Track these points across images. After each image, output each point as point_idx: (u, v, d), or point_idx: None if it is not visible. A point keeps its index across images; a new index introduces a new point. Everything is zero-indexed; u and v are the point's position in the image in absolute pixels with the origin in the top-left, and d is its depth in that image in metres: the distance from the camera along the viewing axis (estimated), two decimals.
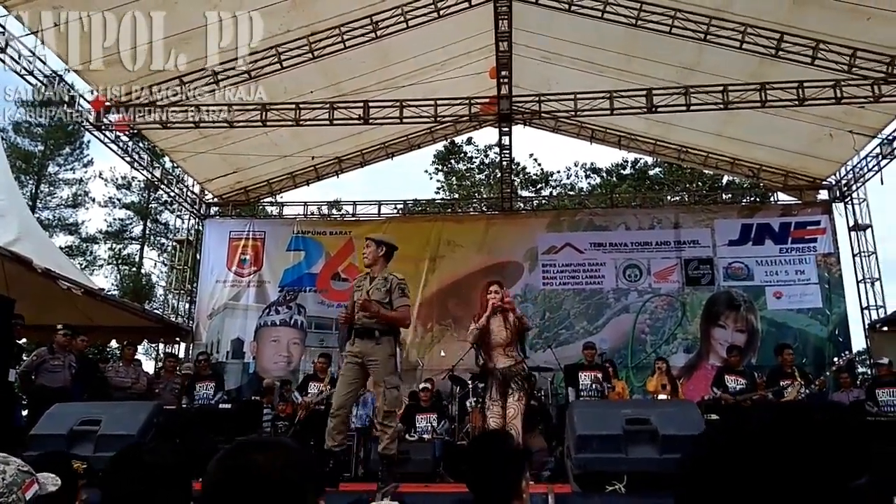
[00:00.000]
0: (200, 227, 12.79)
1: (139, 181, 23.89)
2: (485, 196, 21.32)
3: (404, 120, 9.47)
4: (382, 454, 4.73)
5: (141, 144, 11.47)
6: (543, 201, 19.47)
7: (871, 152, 10.66)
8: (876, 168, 10.77)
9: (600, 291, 11.86)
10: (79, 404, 4.65)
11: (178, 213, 13.18)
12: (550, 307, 11.90)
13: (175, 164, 11.95)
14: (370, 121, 9.29)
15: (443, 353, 11.03)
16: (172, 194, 12.55)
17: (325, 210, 13.98)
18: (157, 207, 24.74)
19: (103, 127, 9.60)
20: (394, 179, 34.49)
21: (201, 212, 12.78)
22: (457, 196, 22.69)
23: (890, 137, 10.13)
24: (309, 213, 13.27)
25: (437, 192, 23.76)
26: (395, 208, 13.33)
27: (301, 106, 9.14)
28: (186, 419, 7.18)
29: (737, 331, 11.39)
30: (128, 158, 10.67)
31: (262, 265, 12.21)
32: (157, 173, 11.92)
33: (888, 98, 8.69)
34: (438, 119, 9.72)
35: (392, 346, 4.78)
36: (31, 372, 7.09)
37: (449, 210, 16.47)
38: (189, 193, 12.53)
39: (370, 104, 9.19)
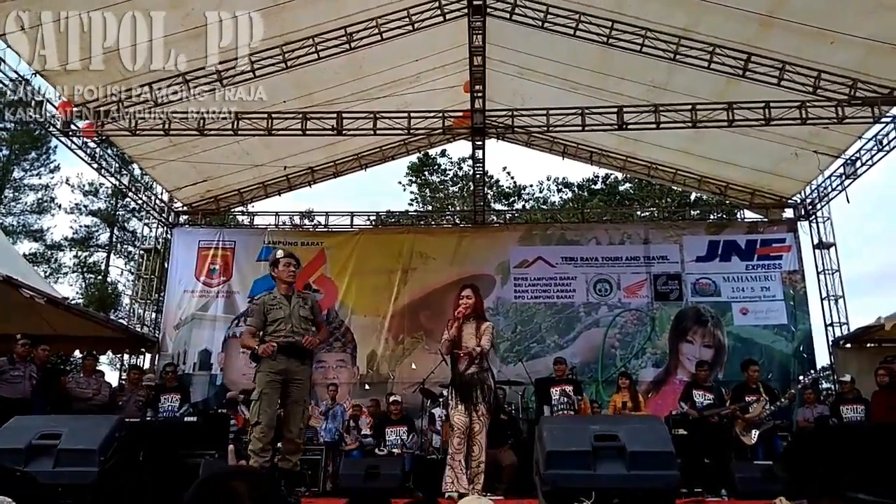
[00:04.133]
0: (168, 236, 12.58)
1: (107, 188, 23.52)
2: (458, 208, 21.40)
3: (378, 132, 9.47)
4: (290, 470, 4.77)
5: (109, 151, 11.28)
6: (516, 215, 19.60)
7: (834, 172, 10.94)
8: (840, 188, 11.05)
9: (571, 305, 11.95)
10: (38, 417, 4.53)
11: (146, 221, 12.96)
12: (522, 320, 11.94)
13: (143, 172, 11.77)
14: (343, 132, 9.26)
15: (414, 366, 11.00)
16: (140, 202, 12.34)
17: (296, 220, 13.88)
18: (124, 215, 24.35)
19: (70, 132, 9.42)
20: (367, 191, 34.37)
21: (170, 220, 12.58)
22: (430, 208, 22.75)
23: (853, 158, 10.42)
24: (280, 223, 13.17)
25: (410, 204, 23.83)
26: (368, 219, 13.30)
27: (273, 115, 9.08)
28: (150, 433, 7.03)
29: (704, 346, 11.55)
30: (95, 165, 10.48)
31: (232, 275, 12.06)
32: (125, 180, 11.72)
33: (851, 120, 8.95)
34: (412, 131, 9.74)
35: (311, 367, 5.06)
36: None
37: (422, 222, 16.51)
38: (157, 201, 12.34)
39: (343, 115, 9.17)
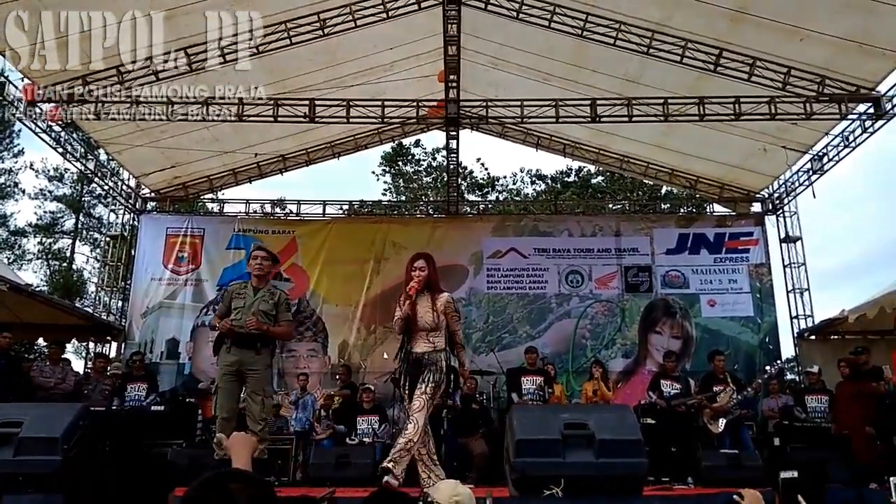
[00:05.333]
0: (135, 223, 12.35)
1: (72, 173, 22.98)
2: (431, 199, 21.36)
3: (351, 120, 9.38)
4: (255, 458, 4.66)
5: (75, 135, 11.00)
6: (489, 206, 19.63)
7: (801, 167, 11.15)
8: (806, 183, 11.26)
9: (543, 296, 12.02)
10: None
11: (112, 207, 12.69)
12: (494, 311, 11.99)
13: (110, 157, 11.50)
14: (316, 119, 9.15)
15: (385, 356, 10.97)
16: (106, 188, 12.07)
17: (267, 208, 13.73)
18: (90, 201, 23.83)
19: (34, 116, 9.16)
20: (340, 180, 34.15)
21: (137, 206, 12.34)
22: (403, 198, 22.68)
23: (820, 154, 10.62)
24: (251, 210, 13.00)
25: (383, 194, 23.72)
26: (341, 209, 13.20)
27: (244, 101, 8.93)
28: (116, 422, 6.92)
29: (673, 337, 11.72)
30: (60, 149, 10.20)
31: (201, 263, 11.88)
32: (91, 165, 11.45)
33: (819, 116, 9.10)
34: (386, 120, 9.67)
35: (270, 358, 4.92)
36: None
37: (395, 212, 16.44)
38: (124, 187, 12.08)
39: (316, 102, 9.06)
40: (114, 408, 7.60)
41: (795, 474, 3.02)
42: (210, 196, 13.38)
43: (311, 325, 11.75)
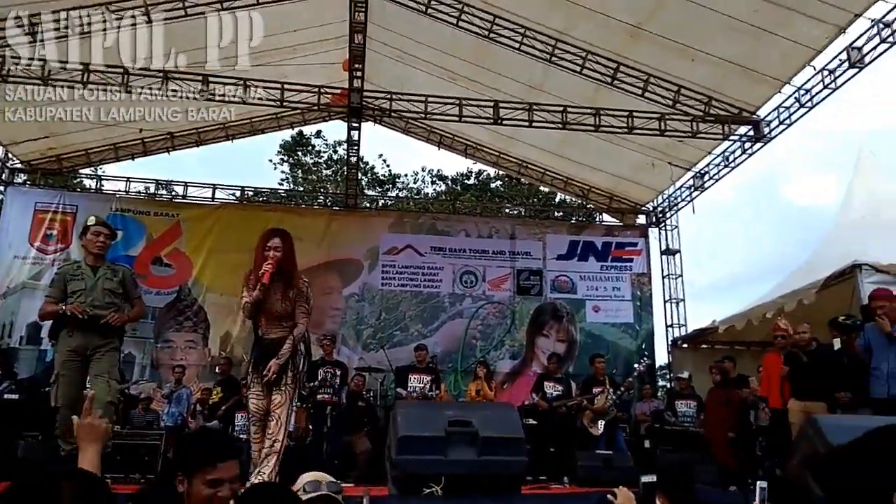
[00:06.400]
0: (2, 195, 11.25)
1: None
2: (330, 191, 20.92)
3: (248, 101, 8.95)
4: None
5: None
6: (388, 202, 19.47)
7: (684, 183, 11.79)
8: (688, 199, 11.94)
9: (437, 295, 12.04)
10: None
11: None
12: (387, 308, 11.87)
13: None
14: (210, 97, 8.66)
15: None
16: None
17: (151, 188, 12.89)
18: None
19: None
20: (234, 167, 32.83)
21: (3, 178, 11.22)
22: (301, 189, 22.07)
23: (702, 172, 11.27)
24: (132, 189, 12.16)
25: (280, 184, 22.95)
26: (232, 194, 12.60)
27: (131, 71, 8.30)
28: None
29: (558, 340, 12.06)
30: None
31: (71, 243, 10.92)
32: None
33: (703, 135, 9.64)
34: (285, 104, 9.30)
35: (120, 341, 4.60)
36: None
37: (291, 202, 15.93)
38: None
39: (210, 79, 8.58)
40: None
41: (654, 478, 3.12)
42: (88, 171, 12.39)
43: (192, 314, 11.13)
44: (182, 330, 11.06)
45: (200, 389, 9.29)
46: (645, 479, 3.05)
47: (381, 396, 9.29)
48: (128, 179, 12.13)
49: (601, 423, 7.96)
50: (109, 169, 12.22)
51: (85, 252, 4.62)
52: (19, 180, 11.57)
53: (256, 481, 3.66)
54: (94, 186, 12.65)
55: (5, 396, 7.07)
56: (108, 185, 12.25)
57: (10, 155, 11.23)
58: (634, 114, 9.47)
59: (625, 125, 9.52)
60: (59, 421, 4.21)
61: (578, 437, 7.92)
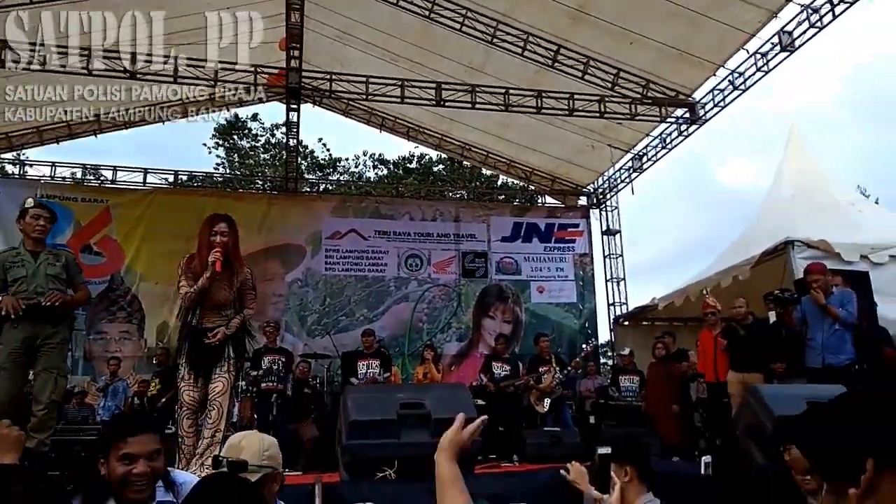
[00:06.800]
0: None
1: None
2: (269, 176, 20.41)
3: (179, 80, 8.57)
4: (34, 450, 3.99)
5: None
6: (330, 186, 19.14)
7: (624, 165, 12.01)
8: (627, 180, 12.17)
9: (382, 279, 11.94)
10: None
11: None
12: (331, 293, 11.70)
13: None
14: (138, 76, 8.25)
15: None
16: None
17: (78, 174, 12.26)
18: None
19: None
20: (167, 152, 31.63)
21: None
22: (238, 174, 21.44)
23: (640, 154, 11.50)
24: (57, 174, 11.53)
25: (216, 168, 22.24)
26: (165, 179, 12.11)
27: (54, 49, 7.81)
28: None
29: (504, 321, 12.16)
30: None
31: None
32: None
33: (641, 117, 9.82)
34: (219, 83, 8.94)
35: (69, 331, 4.38)
36: None
37: (228, 187, 15.45)
38: None
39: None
40: None
41: (610, 450, 3.16)
42: (9, 156, 11.69)
43: (126, 304, 10.69)
44: (116, 321, 10.62)
45: (137, 381, 8.95)
46: (601, 450, 3.07)
47: (328, 382, 9.14)
48: (53, 164, 11.52)
49: (547, 402, 8.07)
50: (33, 154, 11.53)
51: (24, 237, 4.31)
52: None
53: (203, 474, 3.51)
54: (16, 172, 11.94)
55: None
56: (32, 171, 11.59)
57: None
58: (575, 96, 9.56)
59: (566, 107, 9.60)
60: None
61: (525, 416, 8.01)
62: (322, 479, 3.33)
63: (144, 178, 11.75)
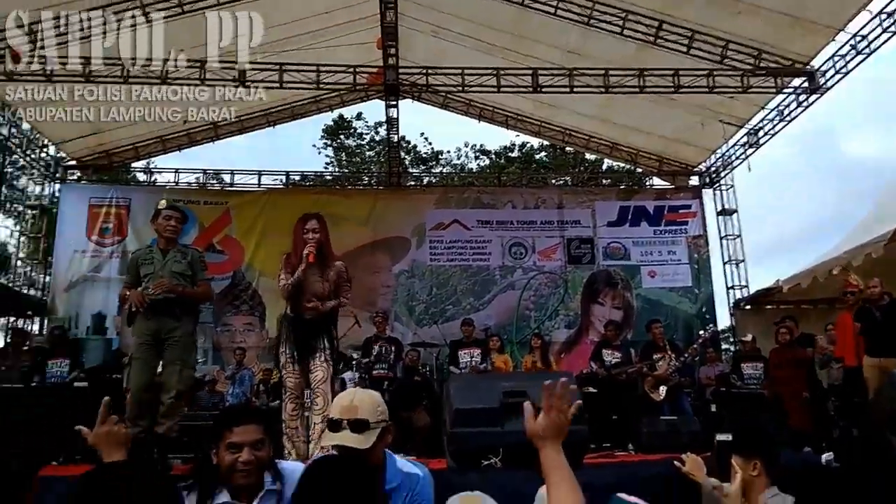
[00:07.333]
0: (58, 193, 11.66)
1: None
2: (374, 172, 20.97)
3: (285, 85, 8.96)
4: (164, 435, 4.29)
5: None
6: (433, 179, 19.41)
7: (738, 141, 11.34)
8: (743, 156, 11.48)
9: (487, 268, 11.98)
10: None
11: (30, 176, 11.95)
12: (437, 283, 11.88)
13: (17, 119, 10.66)
14: (246, 83, 8.69)
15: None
16: (25, 155, 11.30)
17: (199, 179, 13.14)
18: (13, 172, 22.40)
19: None
20: (279, 154, 33.25)
21: (58, 176, 11.61)
22: (346, 171, 22.19)
23: (755, 128, 10.80)
24: (181, 180, 12.42)
25: (325, 168, 23.13)
26: (278, 180, 12.73)
27: (168, 63, 8.38)
28: (34, 399, 6.50)
29: (614, 307, 11.87)
30: None
31: (127, 234, 11.30)
32: (5, 131, 10.66)
33: (755, 90, 9.22)
34: (321, 86, 9.27)
35: (193, 325, 4.57)
36: None
37: (336, 185, 16.02)
38: (44, 155, 11.34)
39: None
40: (34, 384, 7.15)
41: (730, 437, 2.99)
42: (137, 165, 12.71)
43: (248, 298, 11.37)
44: (239, 313, 11.32)
45: (261, 370, 9.51)
46: (720, 437, 2.90)
47: (438, 370, 9.29)
48: (176, 171, 12.41)
49: (663, 390, 7.76)
50: (158, 161, 12.49)
51: (158, 236, 4.62)
52: (73, 177, 11.93)
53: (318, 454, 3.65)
54: (146, 180, 12.97)
55: (75, 385, 7.30)
56: (159, 178, 12.62)
57: (61, 153, 11.57)
58: (681, 72, 9.11)
59: (671, 84, 9.19)
60: (129, 404, 4.28)
61: (641, 405, 7.76)
62: (429, 466, 3.38)
63: (259, 179, 12.41)
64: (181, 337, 4.39)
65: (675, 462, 3.27)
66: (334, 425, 2.24)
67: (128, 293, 4.35)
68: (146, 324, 4.31)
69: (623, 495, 2.10)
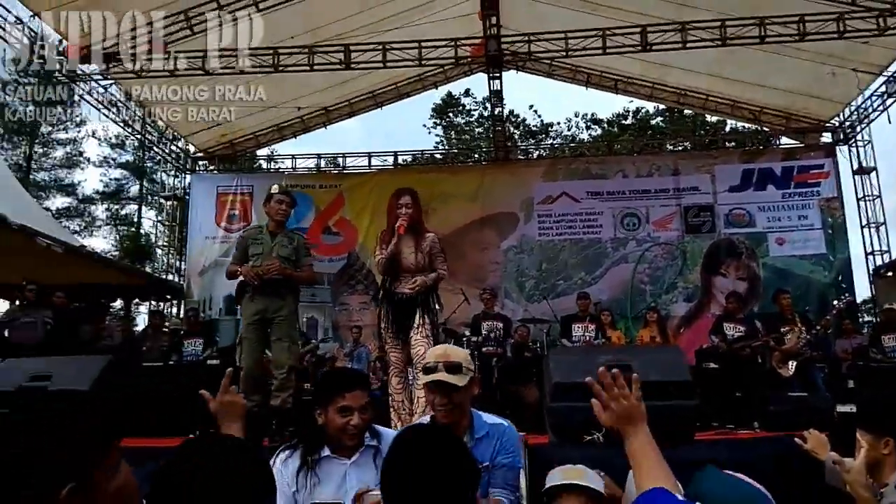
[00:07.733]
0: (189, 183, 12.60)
1: (133, 140, 23.55)
2: (483, 148, 20.92)
3: (388, 64, 9.07)
4: (279, 407, 4.46)
5: (120, 97, 11.08)
6: (543, 152, 19.05)
7: (875, 91, 10.25)
8: (881, 108, 10.38)
9: (598, 241, 11.63)
10: (30, 360, 4.46)
11: (164, 168, 12.96)
12: (547, 258, 11.69)
13: (147, 114, 11.51)
14: (352, 65, 8.89)
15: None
16: (159, 148, 12.27)
17: (313, 163, 13.69)
18: (152, 166, 24.45)
19: (82, 77, 9.27)
20: (392, 134, 33.98)
21: (188, 167, 12.51)
22: (455, 150, 22.29)
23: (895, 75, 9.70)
24: (297, 165, 12.97)
25: (436, 147, 23.36)
26: (386, 161, 12.99)
27: (279, 51, 8.73)
28: (172, 375, 7.07)
29: (738, 279, 11.19)
30: (104, 111, 10.35)
31: (252, 220, 11.97)
32: (138, 126, 11.57)
33: (894, 31, 8.23)
34: (424, 62, 9.29)
35: (295, 304, 4.72)
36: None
37: (446, 163, 16.13)
38: (175, 148, 12.25)
39: (351, 48, 8.78)
40: (171, 363, 7.78)
41: (854, 408, 2.68)
42: (258, 153, 13.43)
43: (362, 278, 11.74)
44: (355, 293, 11.72)
45: (378, 348, 9.79)
46: (841, 408, 2.62)
47: (549, 346, 9.17)
48: (293, 157, 13.00)
49: (792, 365, 7.22)
50: (278, 148, 13.18)
51: (269, 219, 4.80)
52: (201, 168, 12.77)
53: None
54: (266, 167, 13.68)
55: (209, 362, 7.85)
56: (277, 164, 13.22)
57: (190, 145, 12.43)
58: (806, 18, 8.30)
59: (795, 32, 8.41)
60: (242, 380, 4.54)
61: (769, 380, 7.27)
62: (529, 441, 3.32)
63: (369, 161, 12.72)
64: (287, 315, 4.59)
65: (797, 439, 3.02)
66: (429, 369, 2.38)
67: (239, 269, 4.58)
68: (253, 305, 4.53)
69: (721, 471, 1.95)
